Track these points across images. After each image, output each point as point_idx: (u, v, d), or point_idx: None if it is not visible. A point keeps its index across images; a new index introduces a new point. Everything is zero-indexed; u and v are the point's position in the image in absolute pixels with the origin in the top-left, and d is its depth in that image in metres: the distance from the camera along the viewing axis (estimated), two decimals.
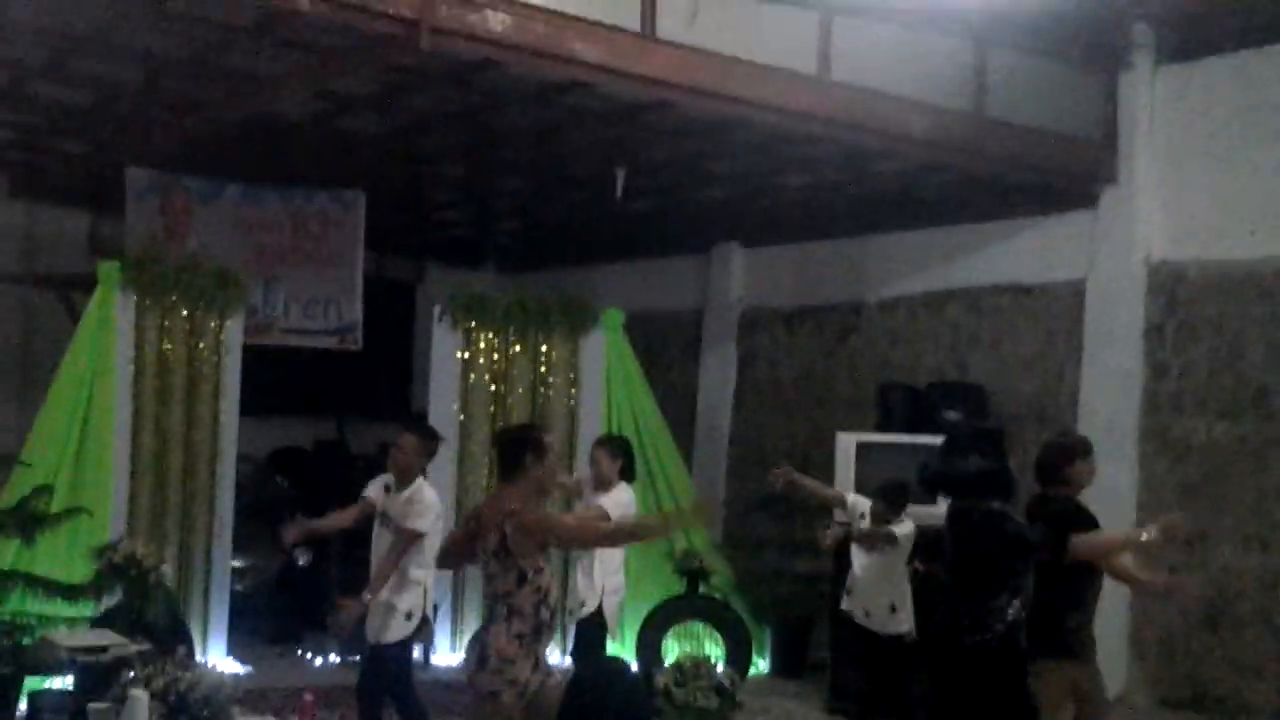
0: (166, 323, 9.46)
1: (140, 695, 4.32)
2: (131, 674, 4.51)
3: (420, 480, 7.24)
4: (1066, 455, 6.56)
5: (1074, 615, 6.29)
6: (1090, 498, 6.71)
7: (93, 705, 4.58)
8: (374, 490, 7.43)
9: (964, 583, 5.83)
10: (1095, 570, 6.39)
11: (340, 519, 7.61)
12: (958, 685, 5.83)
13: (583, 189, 11.62)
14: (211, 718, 4.45)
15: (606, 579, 8.10)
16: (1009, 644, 5.68)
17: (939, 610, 6.16)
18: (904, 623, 8.38)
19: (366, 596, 7.00)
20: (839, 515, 8.80)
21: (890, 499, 8.40)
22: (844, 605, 8.60)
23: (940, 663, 5.91)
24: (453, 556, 6.15)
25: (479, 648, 5.64)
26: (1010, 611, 5.61)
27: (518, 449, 5.86)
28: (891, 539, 8.30)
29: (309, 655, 10.45)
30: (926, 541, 8.09)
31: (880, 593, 8.43)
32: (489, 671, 5.47)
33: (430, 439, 7.46)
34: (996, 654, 5.65)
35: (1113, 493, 9.29)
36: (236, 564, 10.35)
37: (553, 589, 5.67)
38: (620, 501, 7.90)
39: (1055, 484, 6.43)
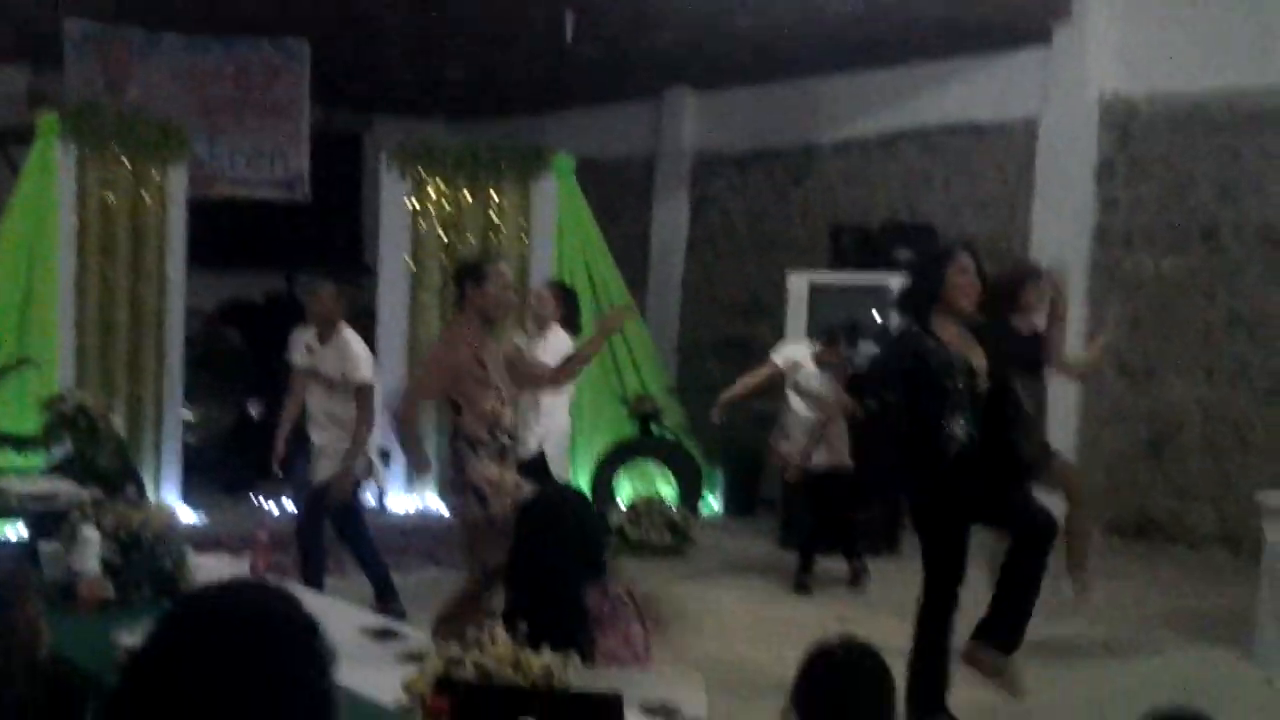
0: (109, 174, 9.32)
1: (91, 533, 4.31)
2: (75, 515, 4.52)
3: (344, 329, 7.23)
4: (1017, 281, 6.57)
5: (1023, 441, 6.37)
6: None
7: (43, 545, 4.58)
8: (298, 354, 7.41)
9: (913, 409, 5.84)
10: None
11: (294, 410, 7.52)
12: (930, 494, 5.80)
13: (532, 34, 11.40)
14: (165, 555, 4.44)
15: (546, 420, 8.11)
16: (965, 458, 5.65)
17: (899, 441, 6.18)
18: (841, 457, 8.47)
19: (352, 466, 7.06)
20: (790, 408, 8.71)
21: (829, 341, 8.46)
22: (783, 449, 8.66)
23: (909, 487, 5.92)
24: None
25: (470, 491, 5.67)
26: (955, 430, 5.61)
27: (459, 279, 6.01)
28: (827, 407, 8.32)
29: (263, 504, 10.50)
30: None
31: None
32: (488, 502, 5.55)
33: (349, 287, 7.47)
34: (954, 468, 5.64)
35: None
36: (188, 417, 10.35)
37: (503, 415, 5.77)
38: (557, 350, 7.86)
39: (1007, 311, 6.45)
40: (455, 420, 5.80)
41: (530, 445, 8.03)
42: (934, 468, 5.62)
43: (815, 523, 8.64)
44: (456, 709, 2.91)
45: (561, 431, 8.31)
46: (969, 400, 5.61)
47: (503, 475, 5.70)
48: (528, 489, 5.74)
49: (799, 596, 8.40)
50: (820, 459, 8.43)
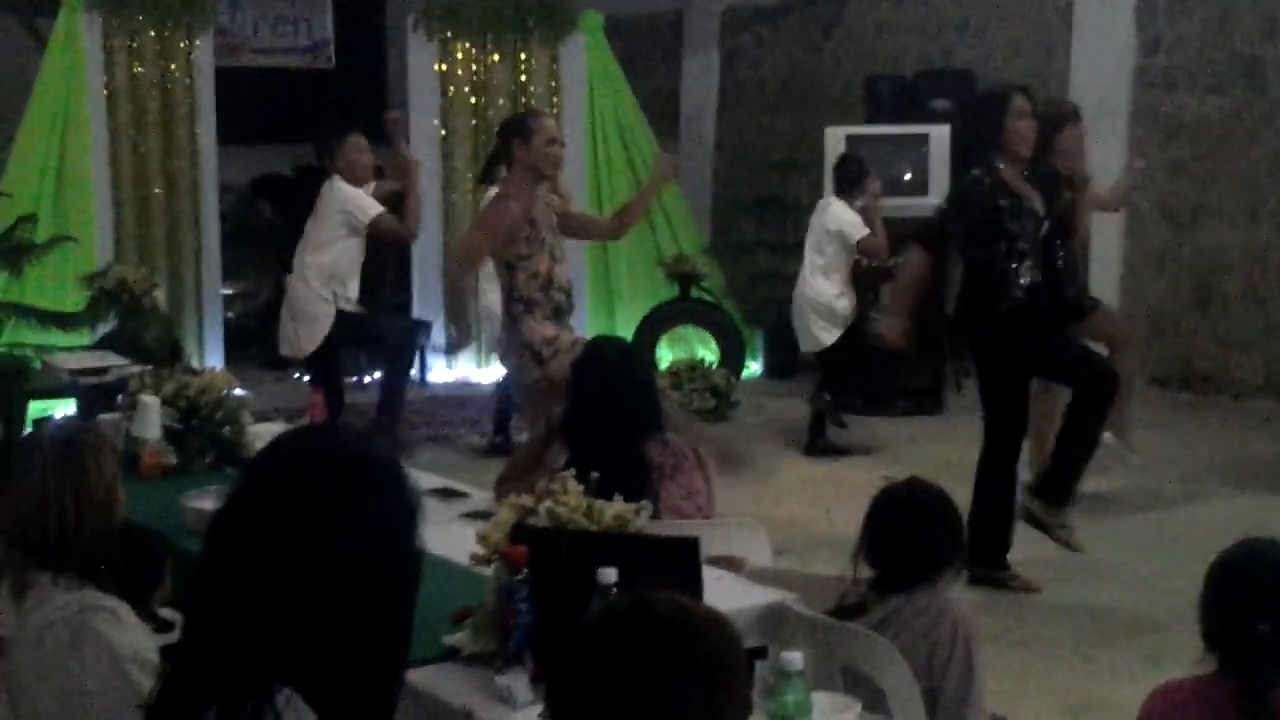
0: (135, 44, 9.24)
1: (151, 400, 4.33)
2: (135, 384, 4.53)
3: None
4: (1054, 124, 6.46)
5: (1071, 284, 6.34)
6: None
7: (103, 416, 4.59)
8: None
9: (971, 258, 5.81)
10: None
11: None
12: (997, 345, 5.81)
13: None
14: (225, 421, 4.47)
15: None
16: (1033, 306, 5.64)
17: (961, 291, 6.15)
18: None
19: None
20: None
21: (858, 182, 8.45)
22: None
23: (975, 337, 5.91)
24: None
25: (528, 351, 5.65)
26: (1024, 277, 5.58)
27: (503, 137, 5.91)
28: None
29: (305, 378, 10.50)
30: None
31: None
32: (545, 362, 5.54)
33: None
34: (1023, 316, 5.63)
35: (1103, 171, 9.16)
36: (226, 291, 10.36)
37: (556, 273, 5.71)
38: None
39: (1045, 153, 6.34)
40: (508, 281, 5.74)
41: None
42: (1003, 315, 5.60)
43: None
44: (533, 556, 2.92)
45: None
46: (1033, 247, 5.58)
47: (560, 334, 5.67)
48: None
49: (845, 458, 8.35)
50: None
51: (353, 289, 7.88)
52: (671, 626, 1.71)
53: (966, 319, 5.90)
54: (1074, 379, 5.77)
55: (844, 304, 8.56)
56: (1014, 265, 5.55)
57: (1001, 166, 5.63)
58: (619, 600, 2.18)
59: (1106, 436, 6.87)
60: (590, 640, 1.73)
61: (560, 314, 5.72)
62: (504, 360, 6.11)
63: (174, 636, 2.70)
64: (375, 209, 7.77)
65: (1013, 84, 6.48)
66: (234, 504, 1.90)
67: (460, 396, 9.98)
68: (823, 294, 8.53)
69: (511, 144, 5.79)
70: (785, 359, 11.08)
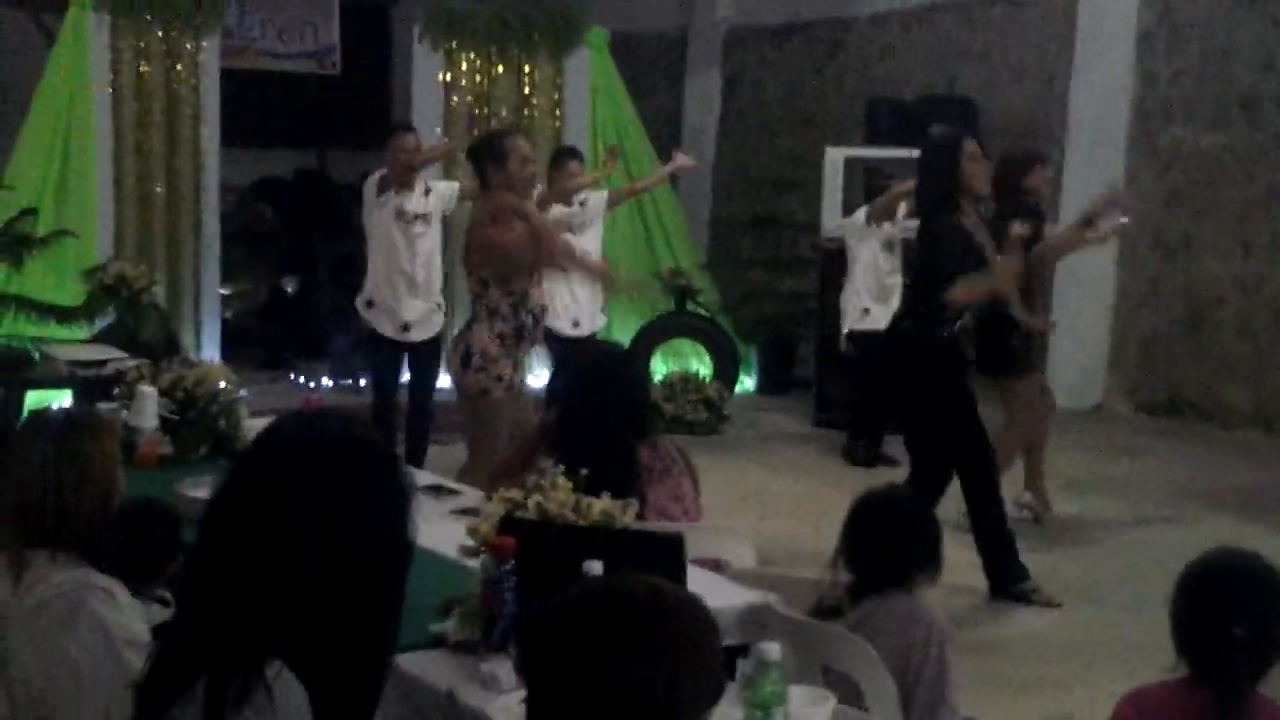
0: (142, 43, 9.31)
1: (149, 390, 4.38)
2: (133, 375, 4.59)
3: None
4: (1021, 166, 6.53)
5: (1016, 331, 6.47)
6: (1078, 208, 6.75)
7: (102, 405, 4.64)
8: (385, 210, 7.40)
9: (918, 284, 5.92)
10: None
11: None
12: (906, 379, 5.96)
13: None
14: (221, 413, 4.52)
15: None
16: (954, 347, 5.75)
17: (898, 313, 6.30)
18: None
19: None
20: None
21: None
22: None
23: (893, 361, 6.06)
24: None
25: (462, 346, 5.74)
26: (963, 317, 5.68)
27: (476, 159, 5.88)
28: None
29: (301, 379, 10.56)
30: None
31: None
32: (473, 370, 5.60)
33: None
34: (944, 354, 5.72)
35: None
36: (223, 292, 10.41)
37: (532, 293, 5.74)
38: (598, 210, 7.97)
39: (1013, 194, 6.41)
40: (478, 289, 5.78)
41: (584, 324, 8.03)
42: (932, 351, 5.72)
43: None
44: (521, 547, 2.97)
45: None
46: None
47: (501, 363, 5.67)
48: (525, 394, 5.83)
49: (837, 472, 8.37)
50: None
51: None
52: (642, 605, 1.76)
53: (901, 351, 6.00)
54: (953, 451, 5.85)
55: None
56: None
57: (963, 206, 5.72)
58: (593, 580, 2.23)
59: (1026, 497, 6.94)
60: (561, 616, 1.78)
61: (521, 336, 5.72)
62: (452, 359, 6.04)
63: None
64: None
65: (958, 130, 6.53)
66: (231, 484, 1.96)
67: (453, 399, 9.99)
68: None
69: (485, 168, 5.79)
70: (779, 375, 11.17)
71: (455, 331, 8.89)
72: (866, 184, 9.12)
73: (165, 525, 3.36)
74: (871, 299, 8.54)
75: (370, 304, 7.42)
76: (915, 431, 6.01)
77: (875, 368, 8.23)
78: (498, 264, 5.68)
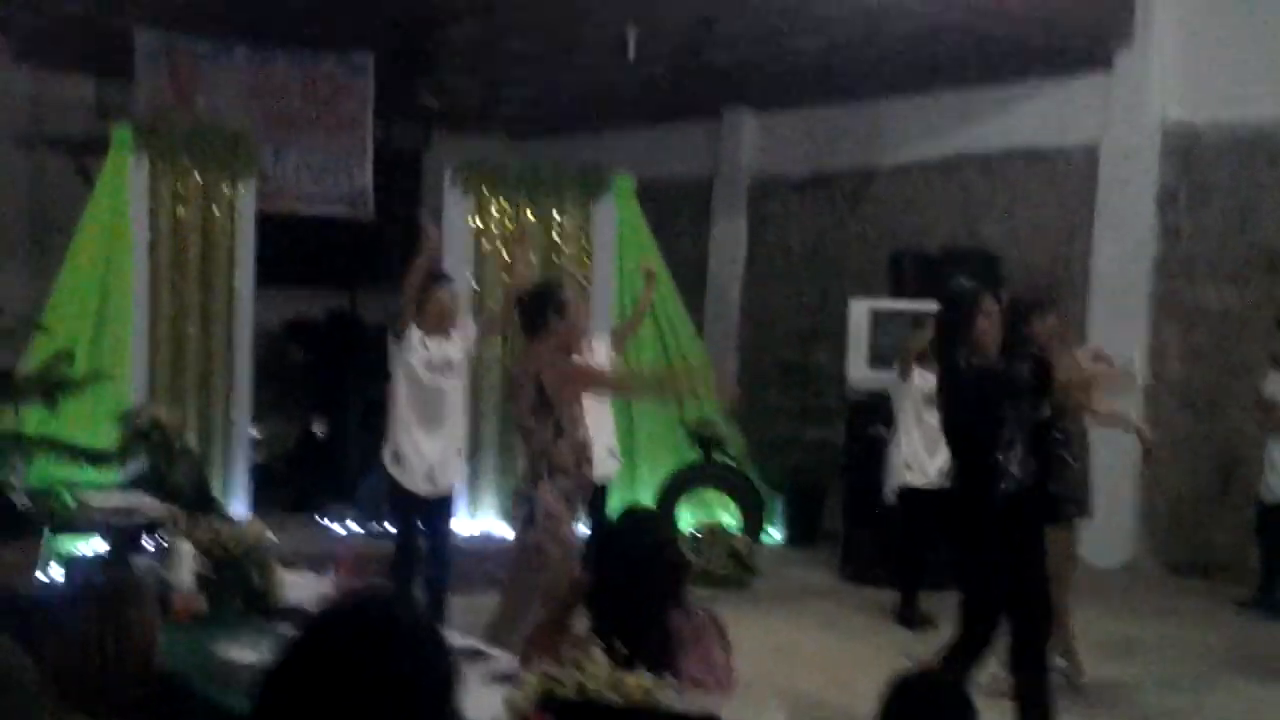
0: (180, 187, 9.49)
1: (185, 545, 4.40)
2: (169, 528, 4.62)
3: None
4: (1025, 313, 6.42)
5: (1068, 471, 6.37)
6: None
7: (138, 559, 4.66)
8: (413, 355, 7.31)
9: (956, 442, 5.77)
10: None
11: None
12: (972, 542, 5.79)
13: (594, 51, 11.49)
14: (254, 570, 4.53)
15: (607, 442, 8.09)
16: (1016, 507, 5.52)
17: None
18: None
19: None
20: None
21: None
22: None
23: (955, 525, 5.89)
24: None
25: (526, 505, 5.75)
26: (1014, 468, 5.54)
27: (539, 306, 5.98)
28: None
29: (329, 523, 10.50)
30: None
31: None
32: (539, 529, 5.62)
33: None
34: (1012, 509, 5.59)
35: (1123, 358, 9.35)
36: (254, 434, 10.44)
37: (590, 445, 5.80)
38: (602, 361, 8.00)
39: (1017, 344, 6.35)
40: (543, 442, 5.79)
41: (608, 469, 8.04)
42: (989, 508, 5.53)
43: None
44: None
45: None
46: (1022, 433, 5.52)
47: (563, 518, 5.71)
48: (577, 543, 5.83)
49: (865, 627, 8.32)
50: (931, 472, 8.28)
51: None
52: None
53: (951, 509, 5.85)
54: (1020, 604, 5.61)
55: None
56: (999, 451, 5.49)
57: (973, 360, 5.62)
58: None
59: (1059, 662, 6.79)
60: None
61: (580, 491, 5.78)
62: (516, 516, 6.06)
63: None
64: None
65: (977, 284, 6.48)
66: (288, 664, 2.00)
67: (482, 549, 9.91)
68: None
69: (548, 315, 5.90)
70: (806, 526, 11.11)
71: (470, 473, 8.95)
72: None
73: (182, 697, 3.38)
74: (922, 449, 8.46)
75: (396, 457, 7.27)
76: (976, 591, 5.71)
77: (923, 526, 8.30)
78: (572, 400, 5.72)
